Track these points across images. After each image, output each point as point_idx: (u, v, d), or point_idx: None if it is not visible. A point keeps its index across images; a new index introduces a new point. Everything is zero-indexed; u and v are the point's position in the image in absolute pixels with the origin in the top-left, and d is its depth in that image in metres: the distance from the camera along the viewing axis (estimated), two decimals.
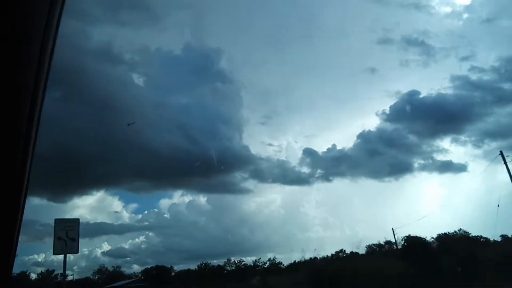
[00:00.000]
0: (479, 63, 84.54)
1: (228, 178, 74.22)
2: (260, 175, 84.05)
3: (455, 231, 47.39)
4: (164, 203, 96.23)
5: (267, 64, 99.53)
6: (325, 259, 53.58)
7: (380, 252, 43.57)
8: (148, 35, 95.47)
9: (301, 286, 32.12)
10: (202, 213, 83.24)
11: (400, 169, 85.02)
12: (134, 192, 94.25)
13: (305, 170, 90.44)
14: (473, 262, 28.80)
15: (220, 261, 64.59)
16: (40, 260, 70.53)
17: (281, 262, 63.20)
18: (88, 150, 52.13)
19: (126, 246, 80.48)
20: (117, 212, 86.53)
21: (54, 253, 11.40)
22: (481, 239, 45.51)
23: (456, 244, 39.48)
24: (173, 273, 62.48)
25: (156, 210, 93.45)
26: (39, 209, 64.41)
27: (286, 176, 78.62)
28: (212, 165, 47.56)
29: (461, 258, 30.36)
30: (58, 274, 61.14)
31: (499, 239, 44.81)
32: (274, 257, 63.77)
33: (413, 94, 70.54)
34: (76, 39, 45.19)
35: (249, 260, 65.45)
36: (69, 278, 60.73)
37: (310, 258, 54.95)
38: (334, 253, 58.37)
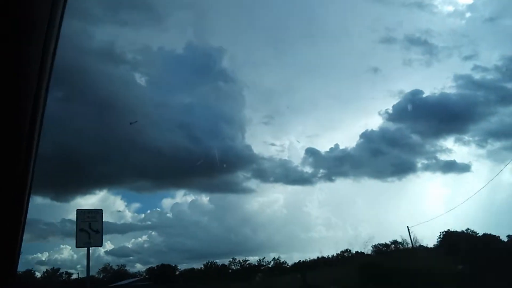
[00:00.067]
0: (482, 62, 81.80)
1: (230, 177, 74.17)
2: (263, 175, 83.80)
3: (462, 231, 46.89)
4: (167, 202, 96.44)
5: (269, 63, 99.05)
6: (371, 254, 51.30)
7: (404, 250, 41.88)
8: (150, 35, 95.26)
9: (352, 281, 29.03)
10: (204, 212, 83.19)
11: (403, 169, 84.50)
12: (136, 192, 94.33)
13: (308, 170, 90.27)
14: None
15: (223, 261, 64.71)
16: (43, 259, 70.91)
17: (286, 262, 63.13)
18: (90, 149, 52.22)
19: (129, 245, 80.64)
20: (119, 211, 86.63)
21: (77, 246, 10.55)
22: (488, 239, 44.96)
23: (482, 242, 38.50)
24: (177, 272, 62.58)
25: (159, 209, 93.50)
26: (42, 208, 64.64)
27: (289, 175, 78.36)
28: (215, 164, 47.36)
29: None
30: (63, 272, 61.66)
31: (505, 239, 44.49)
32: (278, 257, 63.71)
33: (416, 93, 69.96)
34: (78, 39, 45.11)
35: (252, 259, 65.40)
36: (74, 276, 61.14)
37: (357, 252, 54.64)
38: (339, 252, 58.45)
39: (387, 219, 78.30)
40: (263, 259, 63.48)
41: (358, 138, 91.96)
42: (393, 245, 51.86)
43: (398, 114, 71.16)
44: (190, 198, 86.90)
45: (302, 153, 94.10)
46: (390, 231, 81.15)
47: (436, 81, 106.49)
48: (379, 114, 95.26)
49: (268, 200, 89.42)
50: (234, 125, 74.63)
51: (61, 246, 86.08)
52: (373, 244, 55.00)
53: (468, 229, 48.49)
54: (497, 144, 70.72)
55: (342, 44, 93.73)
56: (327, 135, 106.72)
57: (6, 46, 0.91)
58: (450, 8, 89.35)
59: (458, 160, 78.18)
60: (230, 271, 61.14)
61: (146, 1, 70.91)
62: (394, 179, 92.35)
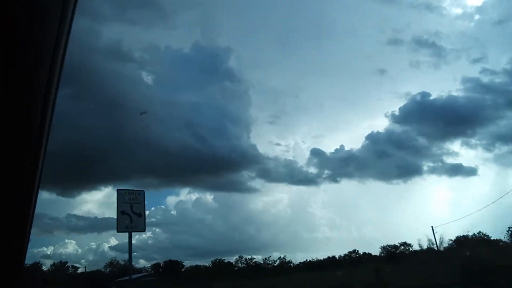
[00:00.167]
0: (490, 65, 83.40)
1: (235, 176, 74.37)
2: (267, 175, 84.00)
3: (474, 234, 46.41)
4: (171, 200, 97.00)
5: (276, 63, 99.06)
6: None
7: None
8: (157, 34, 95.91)
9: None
10: (208, 211, 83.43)
11: (409, 171, 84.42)
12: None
13: (313, 170, 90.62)
14: None
15: (227, 259, 64.63)
16: (49, 253, 71.42)
17: (291, 261, 62.92)
18: (96, 146, 52.30)
19: (133, 241, 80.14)
20: None
21: (118, 231, 9.23)
22: (500, 243, 44.49)
23: None
24: (183, 269, 62.53)
25: (163, 207, 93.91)
26: (48, 203, 65.00)
27: (293, 176, 78.55)
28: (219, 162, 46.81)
29: None
30: (69, 266, 61.83)
31: None
32: (284, 256, 63.51)
33: (423, 95, 69.76)
34: (86, 37, 45.14)
35: (256, 258, 65.27)
36: (81, 270, 61.32)
37: (364, 253, 53.97)
38: (347, 253, 58.09)
39: (392, 221, 78.05)
40: (268, 257, 63.46)
41: (363, 139, 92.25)
42: (402, 247, 51.68)
43: (405, 116, 71.16)
44: (194, 196, 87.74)
45: (307, 154, 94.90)
46: (394, 233, 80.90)
47: (444, 84, 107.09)
48: (385, 115, 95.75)
49: (272, 200, 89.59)
50: (239, 124, 74.83)
51: (66, 240, 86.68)
52: (381, 246, 54.83)
53: (480, 232, 47.91)
54: (505, 148, 70.26)
55: (349, 45, 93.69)
56: (332, 136, 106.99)
57: (19, 43, 0.92)
58: (459, 10, 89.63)
59: (465, 164, 78.20)
60: (236, 268, 61.04)
61: (154, 0, 71.06)
62: (399, 181, 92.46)
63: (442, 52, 78.93)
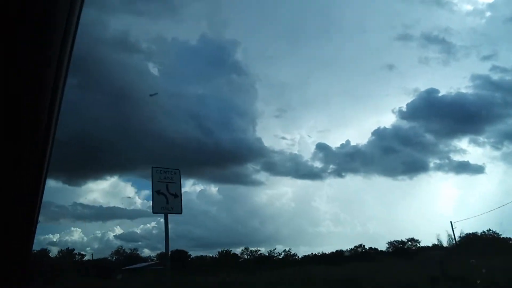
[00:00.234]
0: (501, 62, 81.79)
1: (240, 169, 74.37)
2: (272, 168, 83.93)
3: (483, 232, 46.27)
4: None
5: (283, 57, 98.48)
6: None
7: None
8: (165, 25, 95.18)
9: None
10: (213, 202, 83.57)
11: (415, 168, 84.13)
12: (146, 179, 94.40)
13: (318, 165, 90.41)
14: None
15: (232, 250, 64.78)
16: (55, 240, 71.96)
17: (296, 254, 63.06)
18: (102, 136, 52.44)
19: (138, 230, 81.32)
20: (129, 197, 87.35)
21: (154, 212, 8.53)
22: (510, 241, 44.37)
23: None
24: (189, 259, 62.79)
25: None
26: (55, 191, 65.11)
27: (298, 170, 78.47)
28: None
29: None
30: (76, 253, 62.20)
31: None
32: (289, 249, 63.64)
33: (431, 92, 69.21)
34: (94, 28, 44.85)
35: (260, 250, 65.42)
36: (87, 257, 61.67)
37: (370, 247, 53.88)
38: (353, 247, 58.11)
39: (397, 217, 77.96)
40: (273, 250, 63.61)
41: (370, 135, 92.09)
42: (409, 242, 51.63)
43: (412, 112, 70.65)
44: (199, 187, 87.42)
45: (312, 148, 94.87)
46: (399, 229, 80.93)
47: (453, 81, 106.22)
48: (393, 111, 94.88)
49: (277, 193, 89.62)
50: (245, 117, 74.61)
51: (72, 228, 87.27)
52: (388, 241, 54.79)
53: (489, 229, 47.65)
54: None
55: (358, 40, 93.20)
56: (338, 131, 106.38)
57: (29, 33, 0.92)
58: (470, 7, 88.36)
59: (472, 161, 77.73)
60: (241, 260, 61.23)
61: None
62: (405, 177, 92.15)
63: (452, 48, 78.52)
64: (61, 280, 34.30)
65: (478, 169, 76.20)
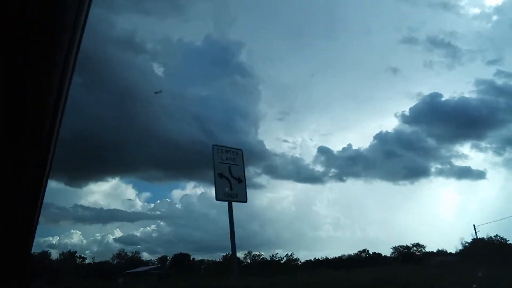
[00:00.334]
0: (506, 67, 80.00)
1: None
2: (274, 171, 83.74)
3: (490, 237, 45.83)
4: (177, 193, 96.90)
5: (287, 59, 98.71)
6: None
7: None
8: (171, 25, 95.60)
9: None
10: (213, 205, 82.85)
11: (416, 172, 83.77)
12: (147, 181, 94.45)
13: (319, 168, 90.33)
14: None
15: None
16: (54, 243, 71.49)
17: (298, 259, 62.54)
18: (104, 137, 52.17)
19: (138, 233, 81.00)
20: (130, 200, 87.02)
21: (217, 199, 6.94)
22: None
23: None
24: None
25: (169, 200, 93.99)
26: (56, 192, 64.66)
27: (300, 173, 78.20)
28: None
29: None
30: (77, 256, 61.65)
31: None
32: (292, 253, 63.13)
33: (435, 96, 69.03)
34: (100, 27, 44.71)
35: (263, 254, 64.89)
36: (88, 260, 61.12)
37: (374, 252, 53.31)
38: (357, 252, 57.62)
39: (398, 222, 77.46)
40: (276, 254, 63.12)
41: (372, 139, 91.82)
42: (414, 247, 51.12)
43: (415, 116, 70.48)
44: (200, 190, 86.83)
45: (314, 152, 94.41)
46: (400, 234, 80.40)
47: (457, 85, 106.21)
48: (395, 115, 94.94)
49: (278, 197, 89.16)
50: (248, 120, 74.28)
51: (72, 231, 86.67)
52: (393, 246, 54.26)
53: (496, 235, 47.18)
54: None
55: (363, 42, 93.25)
56: (340, 135, 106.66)
57: (37, 33, 0.93)
58: (477, 10, 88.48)
59: (473, 167, 77.36)
60: (244, 264, 60.69)
61: None
62: (406, 182, 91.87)
63: (457, 52, 78.40)
64: (65, 283, 34.03)
65: (479, 175, 75.85)
